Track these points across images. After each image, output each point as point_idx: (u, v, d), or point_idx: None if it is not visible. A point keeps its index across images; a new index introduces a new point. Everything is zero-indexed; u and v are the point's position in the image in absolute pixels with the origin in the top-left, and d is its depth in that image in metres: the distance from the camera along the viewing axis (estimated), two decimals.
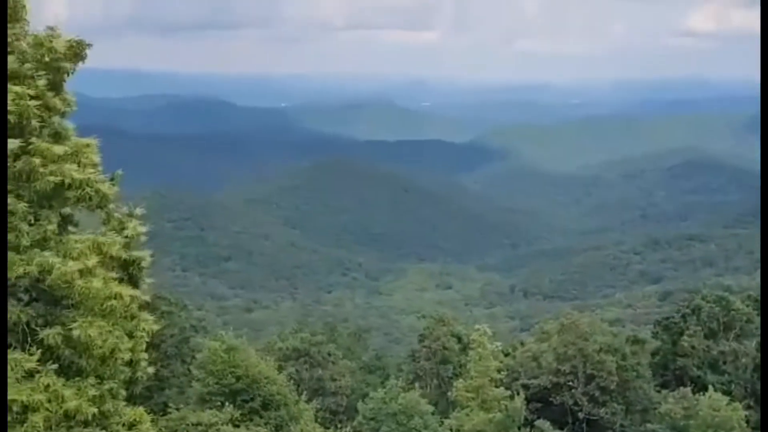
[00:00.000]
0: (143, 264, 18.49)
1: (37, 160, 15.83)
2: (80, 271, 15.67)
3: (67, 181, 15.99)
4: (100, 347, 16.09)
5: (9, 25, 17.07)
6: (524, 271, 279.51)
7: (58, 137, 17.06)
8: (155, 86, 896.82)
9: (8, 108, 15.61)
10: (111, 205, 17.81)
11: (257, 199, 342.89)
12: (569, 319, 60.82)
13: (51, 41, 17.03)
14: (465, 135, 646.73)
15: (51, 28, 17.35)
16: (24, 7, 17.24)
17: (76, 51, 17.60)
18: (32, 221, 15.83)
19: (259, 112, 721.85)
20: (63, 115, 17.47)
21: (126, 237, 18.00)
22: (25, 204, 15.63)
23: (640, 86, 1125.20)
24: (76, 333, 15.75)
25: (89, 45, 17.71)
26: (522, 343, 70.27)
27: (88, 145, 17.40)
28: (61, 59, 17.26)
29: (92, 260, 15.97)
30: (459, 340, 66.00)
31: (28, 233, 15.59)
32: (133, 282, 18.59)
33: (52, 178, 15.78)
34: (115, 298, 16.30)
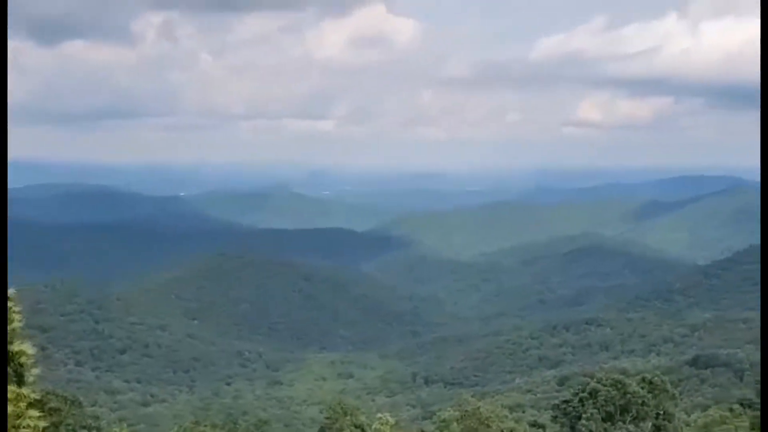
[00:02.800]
0: (23, 359, 17.82)
1: None
2: None
3: None
4: None
5: None
6: (425, 359, 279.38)
7: None
8: (53, 176, 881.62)
9: None
10: None
11: (155, 290, 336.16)
12: (471, 406, 61.02)
13: None
14: (366, 223, 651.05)
15: None
16: None
17: None
18: None
19: (159, 201, 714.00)
20: None
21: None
22: None
23: (535, 174, 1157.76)
24: None
25: None
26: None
27: None
28: None
29: None
30: (361, 430, 65.33)
31: None
32: (18, 377, 17.90)
33: None
34: None
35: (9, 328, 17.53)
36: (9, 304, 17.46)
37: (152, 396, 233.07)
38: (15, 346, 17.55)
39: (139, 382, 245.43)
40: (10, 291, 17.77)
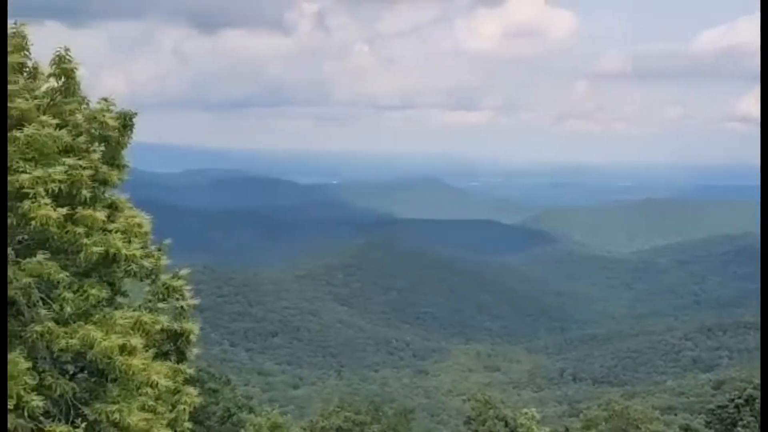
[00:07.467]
0: (192, 338, 18.49)
1: (80, 230, 15.89)
2: (121, 348, 15.55)
3: (112, 251, 16.00)
4: (139, 430, 15.90)
5: (64, 100, 17.44)
6: (574, 355, 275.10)
7: (113, 209, 17.27)
8: (208, 161, 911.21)
9: (60, 178, 15.77)
10: (160, 275, 17.92)
11: (306, 275, 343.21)
12: (619, 406, 59.70)
13: (104, 115, 17.32)
14: (514, 215, 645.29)
15: (105, 100, 17.69)
16: (78, 83, 17.63)
17: (125, 122, 17.91)
18: (76, 290, 15.82)
19: (310, 189, 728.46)
20: (114, 186, 17.72)
21: (176, 308, 18.06)
22: (68, 274, 15.64)
23: (694, 170, 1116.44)
24: (114, 417, 15.59)
25: (135, 114, 18.03)
26: (568, 429, 68.98)
27: (139, 218, 17.56)
28: (111, 132, 17.55)
29: (135, 340, 15.83)
30: (506, 423, 64.79)
31: (73, 301, 15.58)
32: (180, 354, 18.55)
33: (96, 249, 15.79)
34: (151, 386, 16.16)
35: (180, 304, 18.21)
36: (180, 283, 18.15)
37: (301, 379, 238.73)
38: (184, 324, 18.22)
39: (289, 364, 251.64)
40: (184, 271, 18.52)
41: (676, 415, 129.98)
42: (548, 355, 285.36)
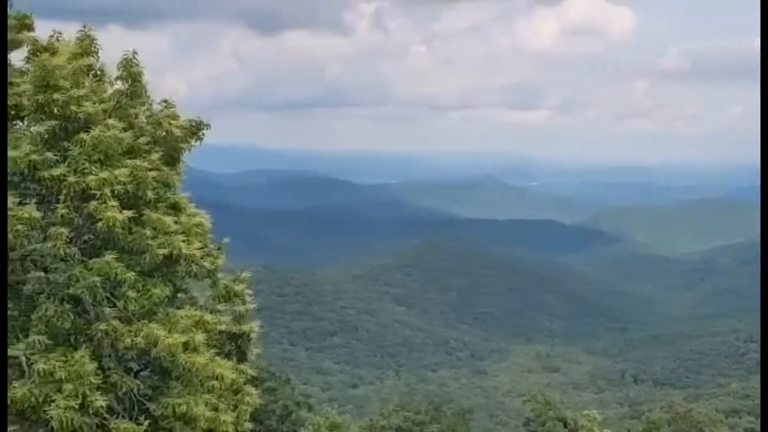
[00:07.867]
0: (252, 336, 18.70)
1: (148, 232, 16.15)
2: (185, 345, 15.76)
3: (175, 253, 16.24)
4: (206, 420, 16.12)
5: (130, 102, 17.71)
6: (635, 356, 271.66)
7: (175, 209, 17.51)
8: (267, 162, 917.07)
9: (126, 180, 16.04)
10: (219, 274, 18.14)
11: (365, 275, 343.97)
12: (682, 409, 58.89)
13: (170, 123, 17.51)
14: (574, 215, 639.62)
15: (166, 102, 17.90)
16: (144, 86, 17.91)
17: (194, 131, 18.09)
18: (140, 289, 16.06)
19: (369, 189, 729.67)
20: (175, 186, 17.96)
21: (235, 312, 18.28)
22: (134, 273, 15.89)
23: (756, 169, 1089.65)
24: (181, 409, 15.80)
25: (207, 126, 18.19)
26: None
27: (199, 219, 17.78)
28: (178, 138, 17.74)
29: (198, 336, 16.05)
30: (565, 425, 64.28)
31: (136, 300, 15.83)
32: (241, 354, 18.78)
33: (161, 251, 16.04)
34: (217, 379, 16.36)
35: (240, 309, 18.42)
36: (241, 287, 18.35)
37: (360, 378, 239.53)
38: (244, 326, 18.43)
39: (348, 364, 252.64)
40: (245, 274, 18.72)
41: (740, 418, 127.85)
42: (609, 356, 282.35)
